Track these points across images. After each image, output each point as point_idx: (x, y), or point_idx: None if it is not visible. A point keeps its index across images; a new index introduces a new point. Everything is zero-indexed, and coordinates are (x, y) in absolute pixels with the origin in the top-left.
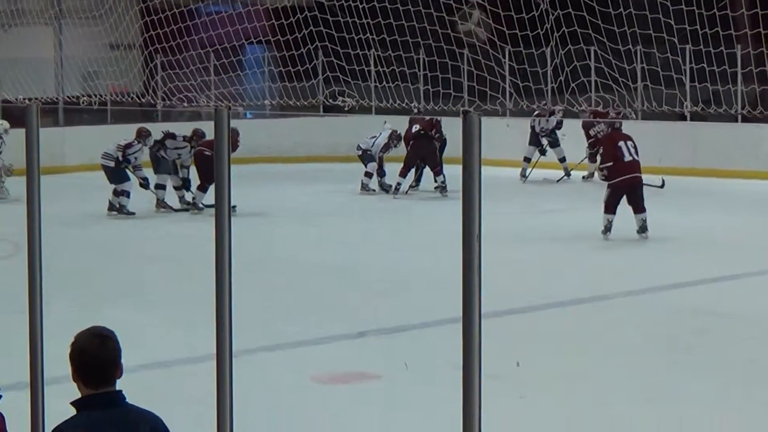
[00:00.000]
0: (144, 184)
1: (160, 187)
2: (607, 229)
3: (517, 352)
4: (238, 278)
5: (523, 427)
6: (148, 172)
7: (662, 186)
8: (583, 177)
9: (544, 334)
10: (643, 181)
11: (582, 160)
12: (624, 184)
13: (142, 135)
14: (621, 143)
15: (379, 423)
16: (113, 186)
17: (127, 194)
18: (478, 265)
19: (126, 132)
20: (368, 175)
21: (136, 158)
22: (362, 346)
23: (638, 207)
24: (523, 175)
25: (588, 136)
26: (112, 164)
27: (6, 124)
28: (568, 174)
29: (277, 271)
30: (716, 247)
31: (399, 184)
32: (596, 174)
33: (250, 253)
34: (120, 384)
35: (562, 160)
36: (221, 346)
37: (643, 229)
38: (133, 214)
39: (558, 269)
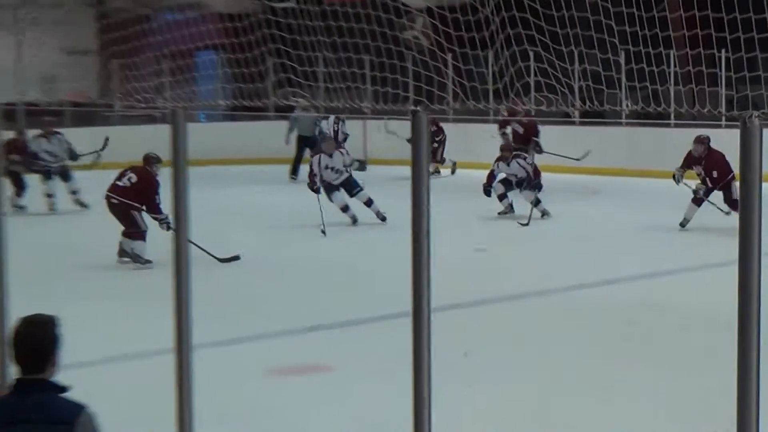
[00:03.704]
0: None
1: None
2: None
3: (464, 345)
4: (193, 276)
5: (472, 412)
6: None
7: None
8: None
9: (489, 328)
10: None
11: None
12: None
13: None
14: None
15: (331, 413)
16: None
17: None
18: (427, 259)
19: (85, 134)
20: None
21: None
22: (314, 339)
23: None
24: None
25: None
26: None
27: None
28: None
29: (231, 268)
30: (647, 243)
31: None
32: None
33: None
34: (77, 376)
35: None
36: (181, 340)
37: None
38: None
39: (499, 266)
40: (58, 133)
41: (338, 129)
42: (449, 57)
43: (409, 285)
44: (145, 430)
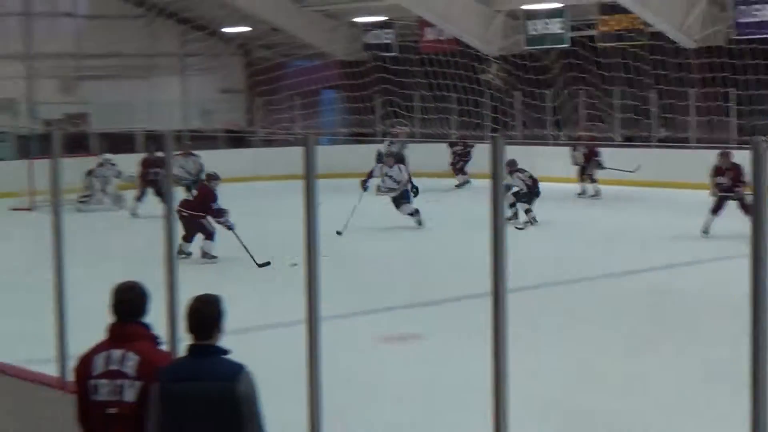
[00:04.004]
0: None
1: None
2: None
3: (527, 320)
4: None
5: (536, 371)
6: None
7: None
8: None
9: (544, 307)
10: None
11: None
12: None
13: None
14: None
15: (429, 372)
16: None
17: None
18: (504, 251)
19: (233, 156)
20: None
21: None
22: (413, 314)
23: None
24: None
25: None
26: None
27: (107, 155)
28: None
29: (344, 258)
30: (673, 240)
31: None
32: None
33: (328, 248)
34: (233, 342)
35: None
36: (312, 315)
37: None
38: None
39: (550, 257)
40: (193, 154)
41: (389, 149)
42: (518, 94)
43: (466, 273)
44: (284, 387)
